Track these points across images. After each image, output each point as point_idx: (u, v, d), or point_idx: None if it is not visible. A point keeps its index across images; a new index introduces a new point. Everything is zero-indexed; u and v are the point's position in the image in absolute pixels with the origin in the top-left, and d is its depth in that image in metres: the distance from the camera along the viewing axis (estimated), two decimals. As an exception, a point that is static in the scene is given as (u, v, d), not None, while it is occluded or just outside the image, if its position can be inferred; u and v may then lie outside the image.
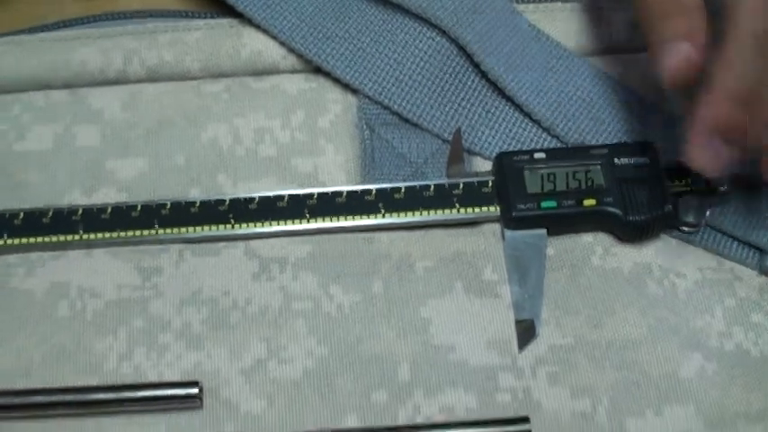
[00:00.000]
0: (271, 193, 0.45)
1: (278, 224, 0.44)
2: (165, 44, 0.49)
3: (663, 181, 0.45)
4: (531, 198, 0.44)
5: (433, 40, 0.47)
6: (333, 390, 0.41)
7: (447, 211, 0.45)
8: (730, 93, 0.38)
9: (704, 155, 0.39)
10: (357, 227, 0.45)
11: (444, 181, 0.45)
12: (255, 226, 0.44)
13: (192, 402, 0.41)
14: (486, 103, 0.47)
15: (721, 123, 0.39)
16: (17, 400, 0.41)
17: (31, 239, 0.44)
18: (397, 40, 0.48)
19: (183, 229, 0.44)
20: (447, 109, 0.47)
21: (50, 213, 0.44)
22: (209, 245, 0.45)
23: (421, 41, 0.48)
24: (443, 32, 0.47)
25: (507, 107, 0.47)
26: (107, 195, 0.46)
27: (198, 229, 0.44)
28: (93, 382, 0.42)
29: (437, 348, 0.42)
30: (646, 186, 0.45)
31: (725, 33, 0.38)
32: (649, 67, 0.41)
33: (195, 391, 0.41)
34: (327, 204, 0.45)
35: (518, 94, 0.46)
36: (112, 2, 0.52)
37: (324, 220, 0.44)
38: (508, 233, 0.45)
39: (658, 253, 0.45)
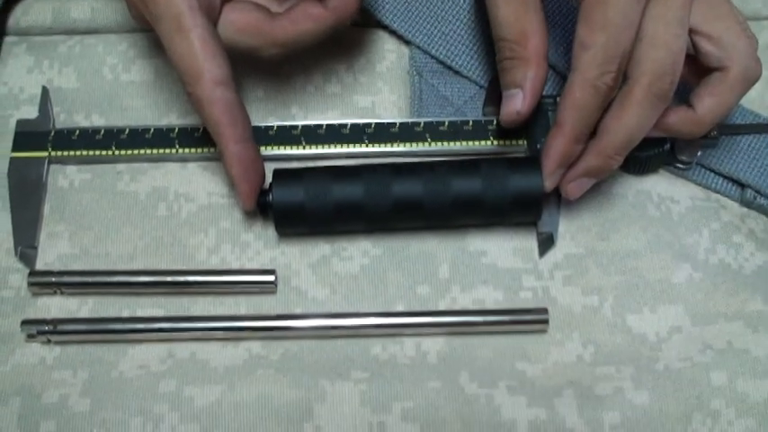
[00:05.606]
0: (336, 122, 0.49)
1: (342, 147, 0.49)
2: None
3: (663, 124, 0.48)
4: (554, 133, 0.47)
5: (474, 0, 0.51)
6: (385, 283, 0.47)
7: (483, 143, 0.49)
8: (575, 132, 0.43)
9: (556, 180, 0.45)
10: (407, 152, 0.49)
11: (481, 118, 0.49)
12: (323, 147, 0.49)
13: (268, 287, 0.46)
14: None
15: (566, 157, 0.44)
16: (124, 279, 0.46)
17: (136, 151, 0.48)
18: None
19: (263, 148, 0.48)
20: (484, 59, 0.50)
21: (152, 130, 0.49)
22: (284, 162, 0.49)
23: (464, 1, 0.51)
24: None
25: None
26: (198, 119, 0.47)
27: (275, 148, 0.49)
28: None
29: (471, 253, 0.47)
30: (649, 128, 0.48)
31: (569, 81, 0.42)
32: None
33: (272, 278, 0.46)
34: (383, 132, 0.49)
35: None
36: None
37: (380, 146, 0.49)
38: (533, 161, 0.48)
39: (657, 183, 0.49)
